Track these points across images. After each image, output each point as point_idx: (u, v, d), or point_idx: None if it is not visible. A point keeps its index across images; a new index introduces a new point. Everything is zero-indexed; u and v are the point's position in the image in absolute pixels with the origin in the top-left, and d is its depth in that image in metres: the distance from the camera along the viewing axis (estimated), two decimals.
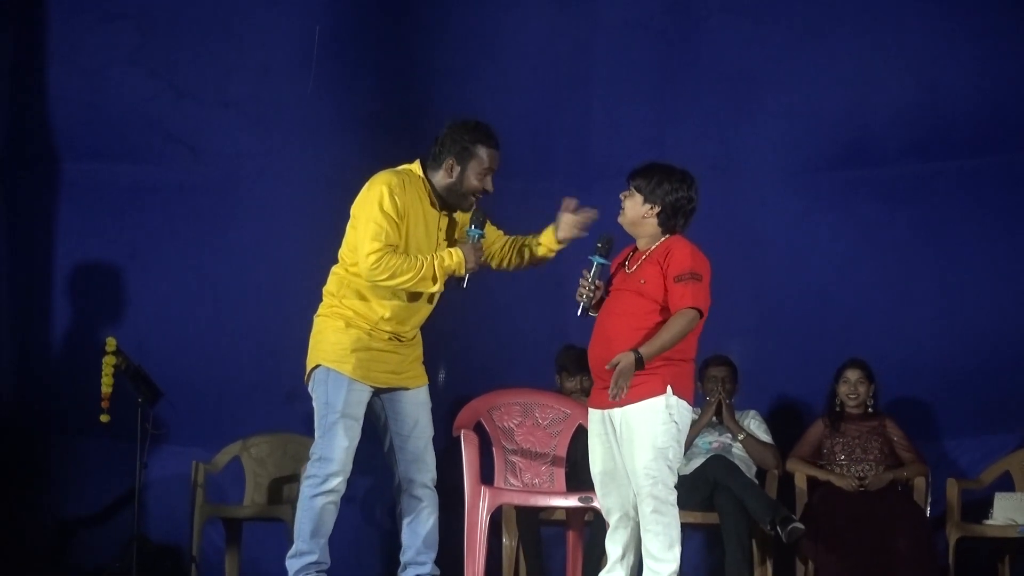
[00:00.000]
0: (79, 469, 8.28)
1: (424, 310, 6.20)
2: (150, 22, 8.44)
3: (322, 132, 8.44)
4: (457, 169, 6.06)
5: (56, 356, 8.41)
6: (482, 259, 6.10)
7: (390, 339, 6.12)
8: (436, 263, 5.96)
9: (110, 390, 7.57)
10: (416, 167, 6.13)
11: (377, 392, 6.16)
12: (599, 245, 6.02)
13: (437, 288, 6.02)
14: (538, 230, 6.27)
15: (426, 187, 6.09)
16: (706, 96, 8.51)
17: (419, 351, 6.29)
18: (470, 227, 6.12)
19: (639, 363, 5.73)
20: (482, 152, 6.07)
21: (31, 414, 8.36)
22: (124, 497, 8.03)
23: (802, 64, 8.45)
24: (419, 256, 5.96)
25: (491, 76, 8.46)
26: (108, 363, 7.58)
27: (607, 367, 5.76)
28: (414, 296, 6.08)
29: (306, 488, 6.09)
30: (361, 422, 6.10)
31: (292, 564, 6.10)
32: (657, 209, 5.95)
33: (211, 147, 8.48)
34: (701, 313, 5.85)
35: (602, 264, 6.01)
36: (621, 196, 6.03)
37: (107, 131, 8.45)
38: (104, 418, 7.57)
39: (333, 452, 6.03)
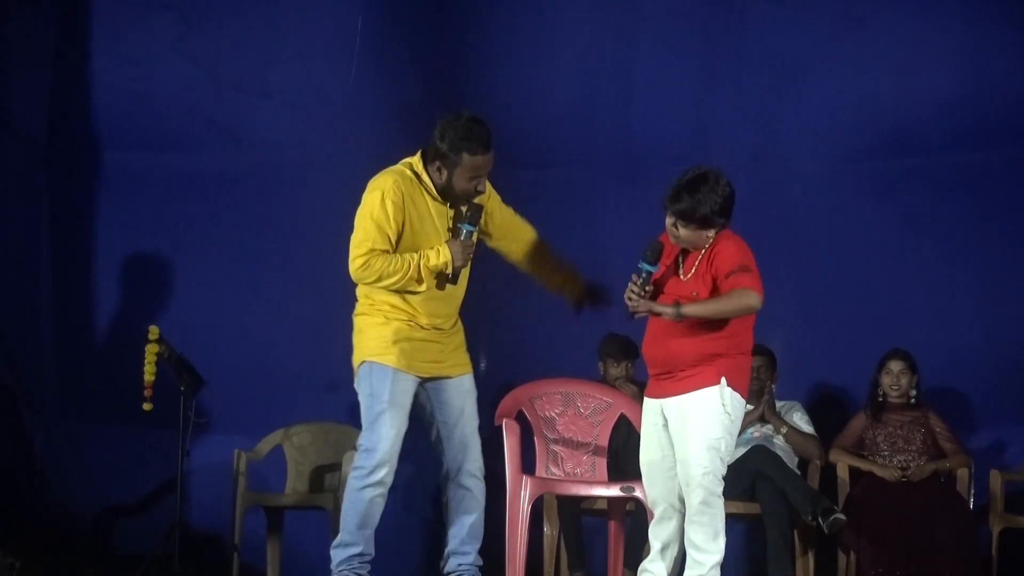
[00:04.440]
0: (122, 457, 8.32)
1: (457, 298, 6.21)
2: (193, 11, 8.46)
3: (364, 122, 8.44)
4: (444, 173, 6.04)
5: (99, 345, 8.45)
6: (471, 256, 6.07)
7: (429, 329, 6.13)
8: (422, 263, 5.97)
9: (152, 378, 7.59)
10: (417, 161, 6.11)
11: (422, 382, 6.18)
12: (647, 252, 5.92)
13: (425, 288, 6.02)
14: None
15: (425, 182, 6.08)
16: (748, 86, 8.48)
17: (460, 338, 6.30)
18: (463, 221, 6.09)
19: (676, 314, 5.69)
20: (466, 159, 5.98)
21: (74, 402, 8.41)
22: (166, 485, 8.06)
23: (844, 53, 8.41)
24: (405, 256, 5.98)
25: (533, 66, 8.45)
26: (151, 351, 7.60)
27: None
28: (441, 284, 6.09)
29: (353, 480, 6.09)
30: (408, 411, 6.11)
31: (337, 554, 6.11)
32: (716, 228, 5.86)
33: (253, 136, 8.50)
34: (759, 298, 5.76)
35: (650, 272, 5.95)
36: (668, 226, 5.87)
37: (149, 120, 8.49)
38: (147, 406, 7.59)
39: (379, 442, 6.03)
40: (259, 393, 8.27)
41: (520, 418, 6.80)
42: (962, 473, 7.70)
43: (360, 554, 6.08)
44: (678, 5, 8.50)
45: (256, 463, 7.96)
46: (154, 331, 7.60)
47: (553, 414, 6.88)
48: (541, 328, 8.25)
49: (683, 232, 5.85)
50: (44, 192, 8.55)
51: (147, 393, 7.58)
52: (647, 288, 5.91)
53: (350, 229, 7.63)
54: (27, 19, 8.42)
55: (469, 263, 6.13)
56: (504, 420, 6.72)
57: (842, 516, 7.14)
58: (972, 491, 7.72)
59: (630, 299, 5.90)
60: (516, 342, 8.25)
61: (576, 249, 8.11)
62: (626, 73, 8.53)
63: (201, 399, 7.85)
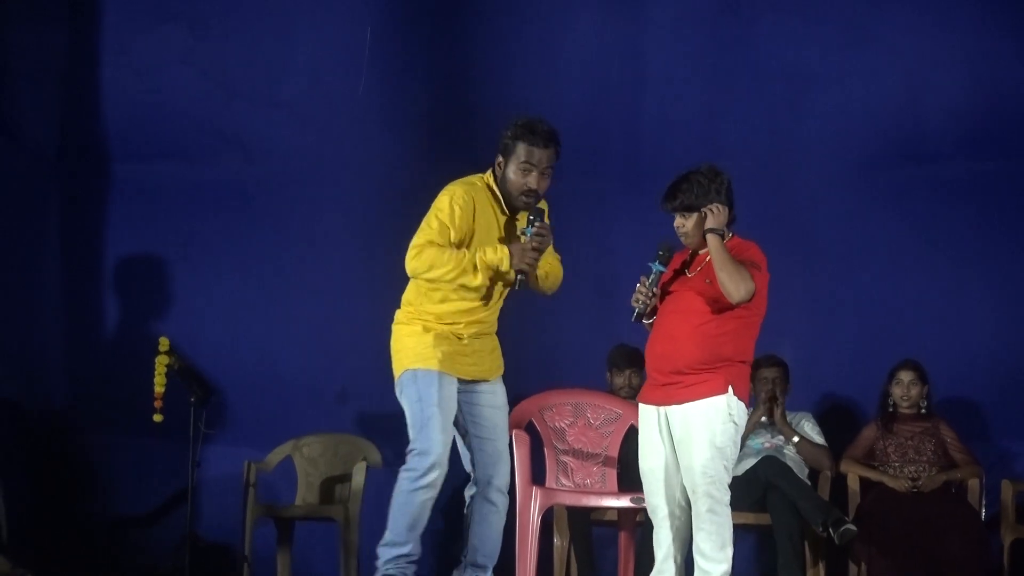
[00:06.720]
0: (132, 469, 8.33)
1: (499, 303, 6.17)
2: (202, 23, 8.49)
3: (373, 132, 8.46)
4: (503, 168, 6.03)
5: (109, 356, 8.45)
6: (531, 260, 5.95)
7: (468, 339, 6.09)
8: (477, 255, 5.92)
9: (163, 390, 7.60)
10: (488, 175, 6.09)
11: (459, 390, 6.13)
12: (660, 253, 5.98)
13: (480, 282, 5.93)
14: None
15: (493, 194, 6.06)
16: (758, 94, 8.47)
17: (496, 341, 6.24)
18: (526, 226, 6.04)
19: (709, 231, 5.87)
20: (520, 148, 5.97)
21: (84, 414, 8.41)
22: (177, 496, 8.07)
23: (854, 62, 8.41)
24: (460, 250, 5.93)
25: (541, 75, 8.45)
26: (161, 363, 7.61)
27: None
28: (487, 296, 6.06)
29: (404, 482, 5.98)
30: (454, 417, 6.04)
31: (384, 552, 6.00)
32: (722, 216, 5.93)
33: (262, 147, 8.51)
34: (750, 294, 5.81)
35: (661, 271, 5.98)
36: (677, 226, 5.99)
37: (159, 131, 8.51)
38: (157, 418, 7.60)
39: (432, 445, 5.93)
40: (269, 404, 8.28)
41: (530, 429, 6.79)
42: (973, 483, 7.67)
43: (408, 554, 5.98)
44: (688, 15, 8.50)
45: (266, 474, 7.96)
46: (164, 342, 7.61)
47: (563, 425, 6.88)
48: (550, 339, 8.25)
49: (690, 227, 5.92)
50: (54, 203, 8.57)
51: (157, 404, 7.59)
52: (655, 289, 5.94)
53: (360, 239, 7.66)
54: (37, 31, 8.44)
55: (534, 268, 6.02)
56: (514, 431, 6.70)
57: (853, 527, 7.12)
58: (983, 502, 7.69)
59: (637, 300, 5.93)
60: (526, 353, 8.20)
61: (584, 258, 8.15)
62: (635, 83, 8.52)
63: (211, 410, 7.85)
